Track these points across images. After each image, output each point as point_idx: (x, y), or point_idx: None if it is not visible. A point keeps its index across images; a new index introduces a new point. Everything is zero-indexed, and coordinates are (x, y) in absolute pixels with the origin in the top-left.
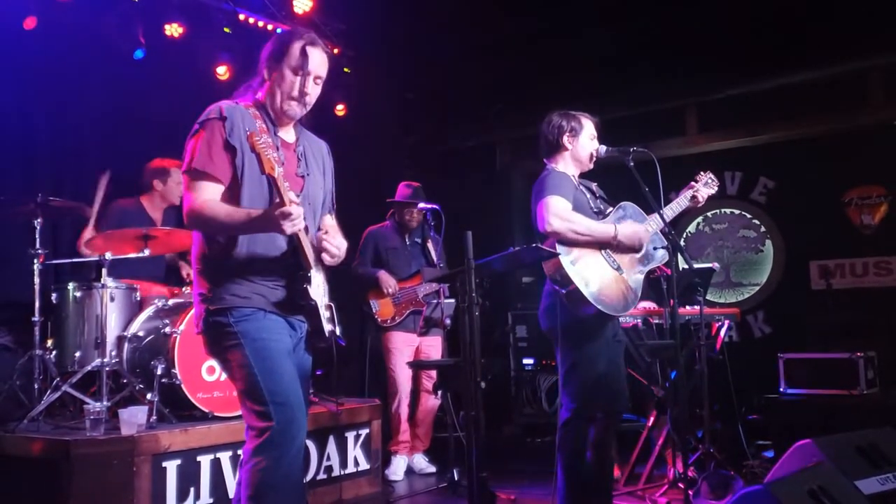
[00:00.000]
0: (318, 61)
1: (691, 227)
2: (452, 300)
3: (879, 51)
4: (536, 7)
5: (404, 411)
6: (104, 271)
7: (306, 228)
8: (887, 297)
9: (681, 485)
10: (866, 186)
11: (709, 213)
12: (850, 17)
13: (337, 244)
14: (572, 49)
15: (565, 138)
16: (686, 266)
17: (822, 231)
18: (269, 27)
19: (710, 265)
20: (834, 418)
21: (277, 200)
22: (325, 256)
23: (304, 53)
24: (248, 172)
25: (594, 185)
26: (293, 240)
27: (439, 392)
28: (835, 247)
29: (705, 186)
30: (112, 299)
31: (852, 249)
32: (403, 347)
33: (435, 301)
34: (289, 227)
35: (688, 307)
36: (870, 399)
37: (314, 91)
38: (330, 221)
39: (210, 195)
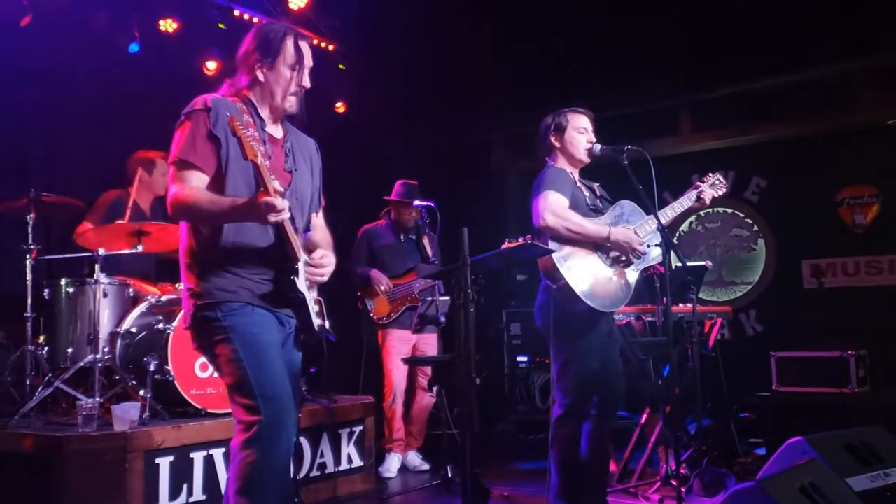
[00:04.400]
0: (309, 54)
1: (684, 226)
2: (447, 297)
3: (871, 52)
4: (532, 6)
5: (399, 409)
6: (97, 267)
7: (293, 221)
8: (878, 296)
9: (673, 482)
10: (858, 186)
11: (701, 213)
12: (841, 18)
13: (325, 272)
14: (567, 48)
15: (551, 137)
16: (680, 264)
17: (814, 230)
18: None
19: (703, 263)
20: (825, 416)
21: (262, 189)
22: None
23: (298, 49)
24: (233, 162)
25: (596, 185)
26: (279, 231)
27: (434, 390)
28: (827, 246)
29: (711, 187)
30: (105, 295)
31: (844, 249)
32: (399, 345)
33: (430, 298)
34: (272, 218)
35: (681, 305)
36: (860, 397)
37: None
38: (318, 221)
39: (194, 184)
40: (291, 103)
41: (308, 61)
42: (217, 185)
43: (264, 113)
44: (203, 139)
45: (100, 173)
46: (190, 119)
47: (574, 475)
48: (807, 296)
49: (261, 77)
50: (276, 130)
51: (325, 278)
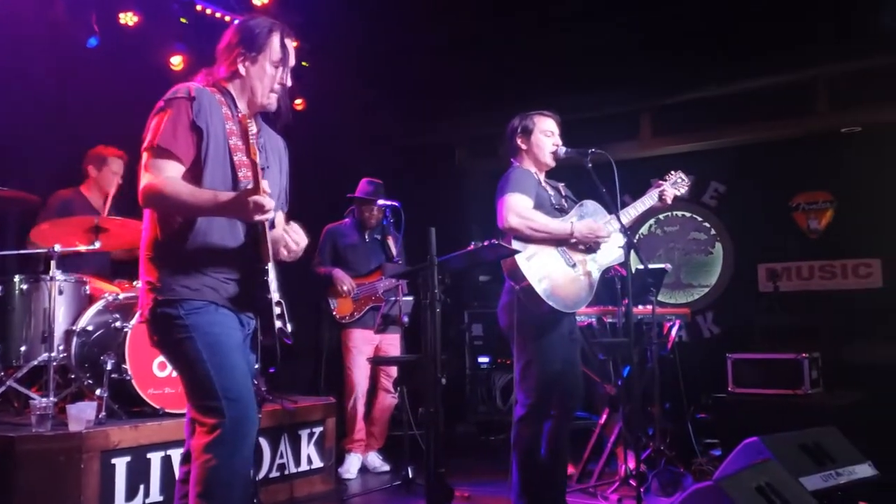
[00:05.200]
0: (293, 51)
1: (644, 229)
2: (411, 297)
3: (826, 61)
4: (495, 9)
5: (360, 410)
6: (53, 263)
7: None
8: (831, 299)
9: (632, 481)
10: (813, 192)
11: (661, 216)
12: (798, 28)
13: (297, 239)
14: (530, 51)
15: (518, 139)
16: (640, 266)
17: (770, 235)
18: (227, 18)
19: (663, 265)
20: (779, 417)
21: (251, 187)
22: (282, 250)
23: (284, 46)
24: (212, 156)
25: (561, 185)
26: (254, 232)
27: (396, 391)
28: (782, 250)
29: (673, 186)
30: (60, 292)
31: (799, 253)
32: (362, 346)
33: (393, 298)
34: (258, 217)
35: (640, 307)
36: (813, 398)
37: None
38: (279, 220)
39: (171, 174)
40: (271, 100)
41: (292, 59)
42: (194, 177)
43: (241, 106)
44: (185, 128)
45: (56, 169)
46: (171, 106)
47: (535, 475)
48: (762, 299)
49: (242, 71)
50: (251, 126)
51: (299, 246)
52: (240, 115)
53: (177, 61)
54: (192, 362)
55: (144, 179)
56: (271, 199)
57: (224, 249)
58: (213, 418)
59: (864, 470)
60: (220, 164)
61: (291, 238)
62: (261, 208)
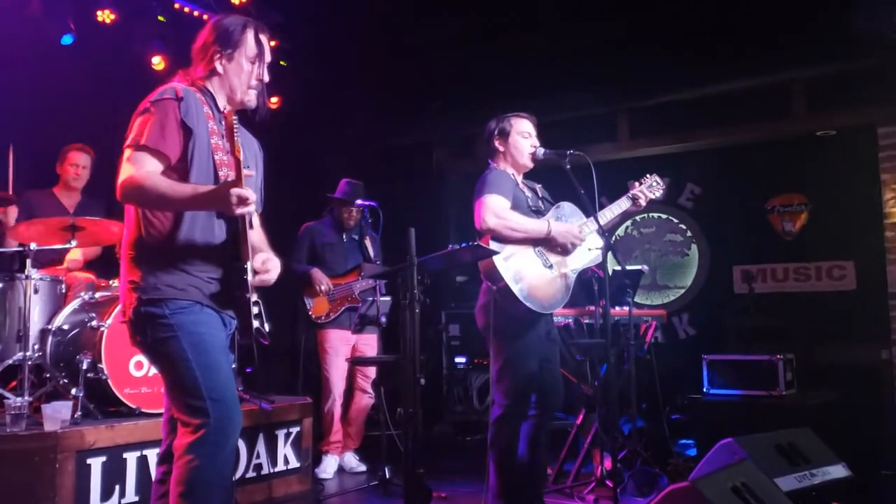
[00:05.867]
0: (269, 47)
1: (620, 231)
2: (388, 298)
3: (803, 64)
4: (472, 9)
5: (337, 410)
6: (28, 262)
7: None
8: (806, 301)
9: (608, 482)
10: (788, 194)
11: (637, 217)
12: (775, 31)
13: (271, 277)
14: (508, 52)
15: (496, 141)
16: (618, 267)
17: (746, 237)
18: (205, 17)
19: (639, 267)
20: (754, 418)
21: (232, 179)
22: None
23: (259, 42)
24: (198, 156)
25: (538, 187)
26: (234, 230)
27: (372, 391)
28: (757, 252)
29: (648, 189)
30: (36, 291)
31: (774, 255)
32: (338, 346)
33: (371, 298)
34: (239, 210)
35: (617, 308)
36: (788, 399)
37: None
38: (255, 221)
39: (151, 168)
40: (250, 96)
41: (268, 55)
42: (180, 175)
43: (221, 105)
44: (172, 129)
45: (32, 169)
46: (158, 108)
47: (512, 476)
48: (737, 300)
49: (220, 69)
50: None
51: (272, 282)
52: (225, 111)
53: (157, 61)
54: (176, 362)
55: (124, 173)
56: (253, 192)
57: (207, 248)
58: (198, 418)
59: (838, 471)
60: (204, 163)
61: (264, 281)
62: (244, 201)
